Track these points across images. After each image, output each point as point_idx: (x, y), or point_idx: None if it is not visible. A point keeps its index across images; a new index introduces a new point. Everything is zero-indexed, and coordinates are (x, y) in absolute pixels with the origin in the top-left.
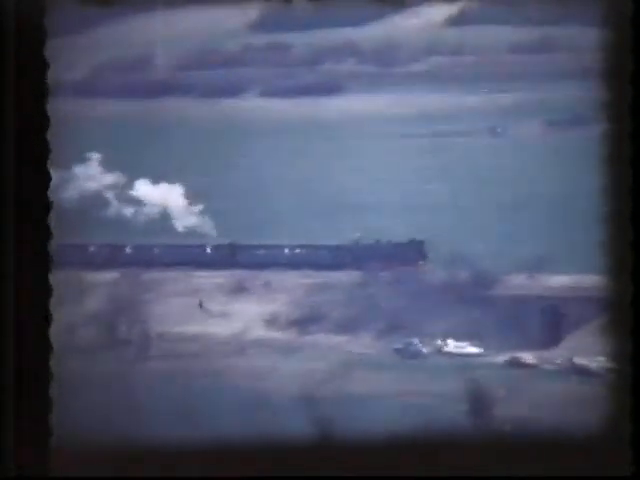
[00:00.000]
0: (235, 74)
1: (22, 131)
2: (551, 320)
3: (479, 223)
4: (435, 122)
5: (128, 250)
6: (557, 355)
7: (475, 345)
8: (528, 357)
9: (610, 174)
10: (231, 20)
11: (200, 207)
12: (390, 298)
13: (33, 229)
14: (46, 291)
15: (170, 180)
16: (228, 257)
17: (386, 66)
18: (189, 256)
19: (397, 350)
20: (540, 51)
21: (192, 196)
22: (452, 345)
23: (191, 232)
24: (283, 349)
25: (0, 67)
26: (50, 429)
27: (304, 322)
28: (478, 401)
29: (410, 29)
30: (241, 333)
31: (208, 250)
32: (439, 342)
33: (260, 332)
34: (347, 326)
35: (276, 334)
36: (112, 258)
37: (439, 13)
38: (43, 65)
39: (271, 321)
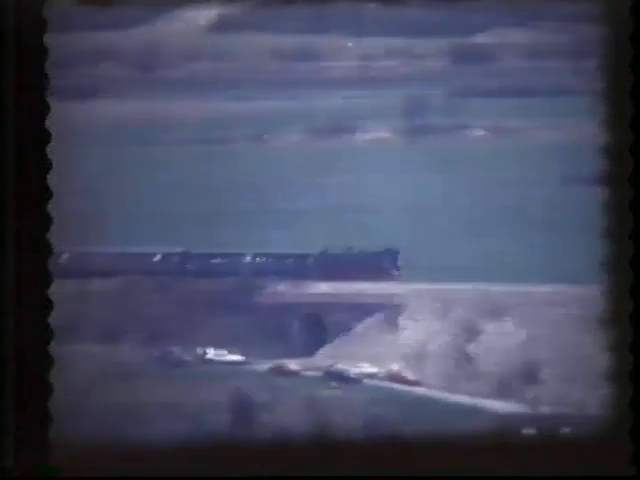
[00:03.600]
0: None
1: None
2: (313, 327)
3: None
4: (196, 129)
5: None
6: (319, 362)
7: (238, 353)
8: (291, 364)
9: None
10: None
11: None
12: (152, 306)
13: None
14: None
15: None
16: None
17: (146, 71)
18: None
19: (158, 359)
20: (303, 58)
21: None
22: (213, 353)
23: None
24: None
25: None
26: (50, 429)
27: (61, 331)
28: (241, 408)
29: (172, 34)
30: None
31: None
32: (201, 351)
33: None
34: (107, 335)
35: None
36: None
37: (201, 18)
38: (43, 64)
39: None
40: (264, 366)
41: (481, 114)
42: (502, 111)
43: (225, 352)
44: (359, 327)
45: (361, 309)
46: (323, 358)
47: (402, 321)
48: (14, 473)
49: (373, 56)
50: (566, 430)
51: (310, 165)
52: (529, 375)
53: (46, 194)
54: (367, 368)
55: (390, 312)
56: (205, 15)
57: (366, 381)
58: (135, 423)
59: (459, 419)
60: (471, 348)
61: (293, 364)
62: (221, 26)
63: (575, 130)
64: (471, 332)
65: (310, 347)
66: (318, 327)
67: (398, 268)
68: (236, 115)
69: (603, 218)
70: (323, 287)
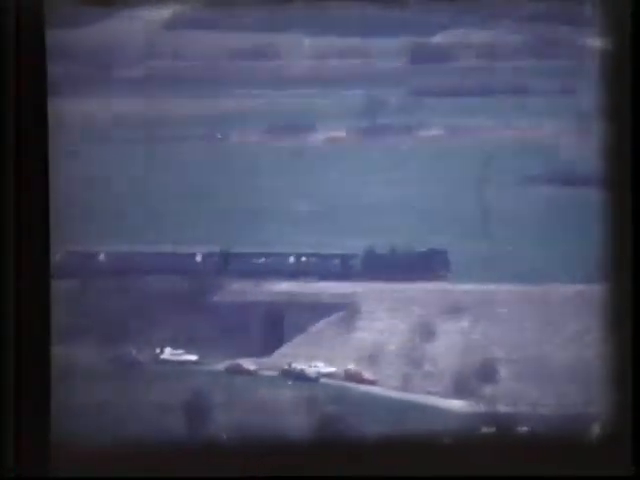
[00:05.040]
0: None
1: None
2: (270, 327)
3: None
4: (151, 128)
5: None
6: (276, 361)
7: (195, 353)
8: (247, 364)
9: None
10: None
11: None
12: (108, 306)
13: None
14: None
15: None
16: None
17: (101, 69)
18: None
19: (113, 359)
20: (260, 57)
21: None
22: (168, 353)
23: None
24: None
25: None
26: (50, 429)
27: None
28: (197, 408)
29: (127, 32)
30: None
31: None
32: (156, 350)
33: None
34: (63, 335)
35: None
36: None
37: (156, 16)
38: (43, 63)
39: None
40: (220, 366)
41: (439, 113)
42: (461, 110)
43: (181, 352)
44: (317, 326)
45: (319, 308)
46: (280, 357)
47: (360, 321)
48: (14, 473)
49: (331, 55)
50: (523, 429)
51: (267, 164)
52: (486, 374)
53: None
54: (324, 367)
55: (348, 311)
56: (161, 13)
57: (323, 380)
58: (88, 424)
59: (417, 418)
60: (428, 347)
61: (249, 363)
62: (177, 24)
63: (534, 129)
64: (428, 331)
65: (267, 346)
66: (275, 326)
67: (449, 269)
68: (192, 114)
69: (561, 215)
70: (281, 286)
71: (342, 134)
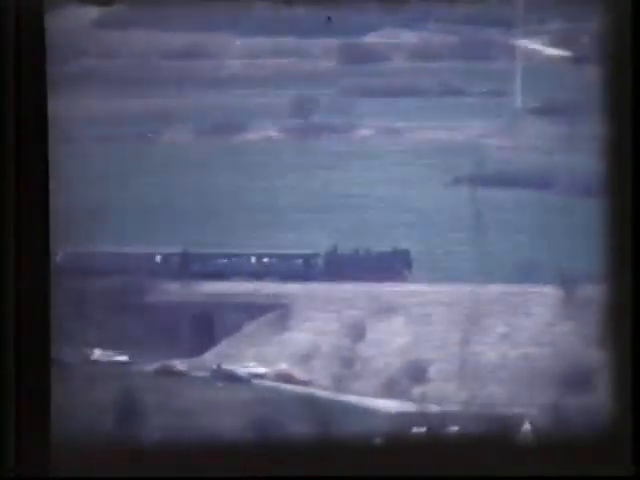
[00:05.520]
0: None
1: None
2: (202, 327)
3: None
4: (82, 127)
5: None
6: (206, 362)
7: (125, 354)
8: (178, 364)
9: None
10: None
11: None
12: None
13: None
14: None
15: None
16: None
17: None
18: None
19: None
20: (191, 56)
21: None
22: (98, 354)
23: None
24: None
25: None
26: (50, 428)
27: None
28: (127, 410)
29: (57, 31)
30: None
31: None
32: (86, 351)
33: None
34: None
35: None
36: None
37: (87, 15)
38: (43, 63)
39: None
40: (151, 367)
41: (370, 114)
42: (391, 111)
43: (111, 353)
44: (248, 327)
45: (250, 309)
46: (211, 358)
47: (292, 321)
48: (14, 473)
49: (262, 55)
50: (454, 429)
51: (197, 164)
52: (417, 374)
53: None
54: (256, 368)
55: (280, 312)
56: (91, 12)
57: (255, 381)
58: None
59: (348, 419)
60: (360, 348)
61: (180, 364)
62: (107, 23)
63: (465, 130)
64: (361, 332)
65: (198, 347)
66: (206, 327)
67: (411, 268)
68: (123, 113)
69: (492, 216)
70: (212, 287)
71: (274, 133)
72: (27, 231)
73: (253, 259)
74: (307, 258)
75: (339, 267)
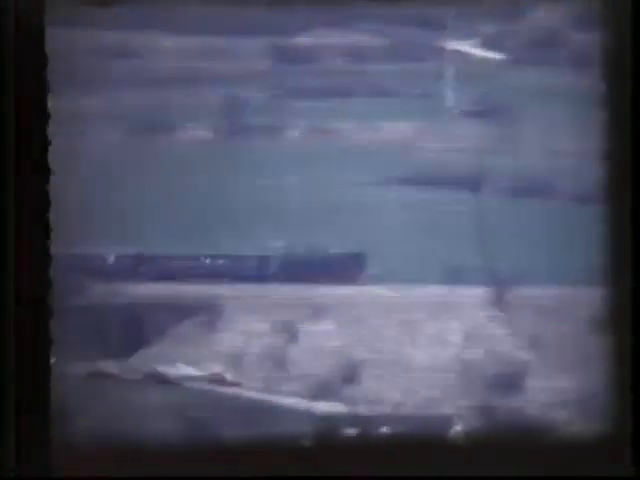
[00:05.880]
0: None
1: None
2: (131, 329)
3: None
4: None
5: None
6: (137, 364)
7: (53, 356)
8: (108, 367)
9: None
10: None
11: None
12: None
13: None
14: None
15: None
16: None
17: None
18: None
19: None
20: (119, 56)
21: None
22: None
23: None
24: None
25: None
26: (50, 429)
27: None
28: (57, 414)
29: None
30: None
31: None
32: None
33: None
34: None
35: None
36: None
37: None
38: (43, 63)
39: None
40: (80, 370)
41: (301, 115)
42: (322, 112)
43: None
44: (179, 329)
45: (181, 310)
46: (142, 361)
47: (224, 323)
48: (14, 473)
49: (192, 55)
50: (384, 430)
51: (126, 165)
52: (349, 376)
53: None
54: (187, 370)
55: (211, 313)
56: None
57: (186, 384)
58: None
59: (279, 420)
60: (292, 350)
61: (110, 367)
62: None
63: (395, 132)
64: (292, 334)
65: (128, 349)
66: (136, 329)
67: (364, 270)
68: (53, 113)
69: (424, 216)
70: (142, 288)
71: (205, 134)
72: (27, 231)
73: (207, 261)
74: (261, 260)
75: (293, 269)
